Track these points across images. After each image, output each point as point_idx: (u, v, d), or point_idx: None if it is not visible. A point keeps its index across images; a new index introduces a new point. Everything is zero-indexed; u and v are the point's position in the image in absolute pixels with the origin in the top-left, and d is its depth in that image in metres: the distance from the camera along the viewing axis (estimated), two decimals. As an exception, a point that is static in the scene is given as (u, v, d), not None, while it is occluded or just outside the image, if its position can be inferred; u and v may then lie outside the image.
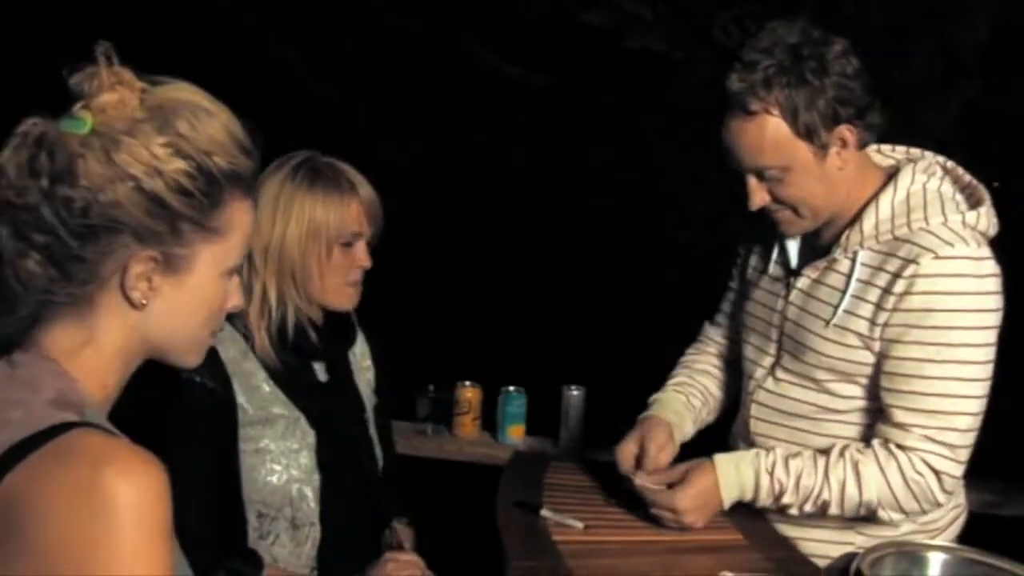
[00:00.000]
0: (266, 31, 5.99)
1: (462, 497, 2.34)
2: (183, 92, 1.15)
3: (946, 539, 2.00)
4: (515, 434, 2.92)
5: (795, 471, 1.89)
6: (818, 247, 1.98)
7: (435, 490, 2.92)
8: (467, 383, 2.98)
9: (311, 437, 1.98)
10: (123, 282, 1.13)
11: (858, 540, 1.93)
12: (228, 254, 1.19)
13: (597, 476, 2.16)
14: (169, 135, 1.11)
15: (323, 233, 1.94)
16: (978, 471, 2.00)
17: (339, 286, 2.00)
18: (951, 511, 2.03)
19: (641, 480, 1.94)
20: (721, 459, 1.94)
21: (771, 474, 1.90)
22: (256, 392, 1.95)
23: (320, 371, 2.07)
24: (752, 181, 1.87)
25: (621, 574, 1.80)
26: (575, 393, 2.89)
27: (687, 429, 2.17)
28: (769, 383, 2.04)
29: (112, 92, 1.10)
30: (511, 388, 2.96)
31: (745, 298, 2.15)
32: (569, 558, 1.81)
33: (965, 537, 2.06)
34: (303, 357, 2.02)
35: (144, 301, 1.14)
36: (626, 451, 2.02)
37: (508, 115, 4.59)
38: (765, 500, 1.92)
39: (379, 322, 2.26)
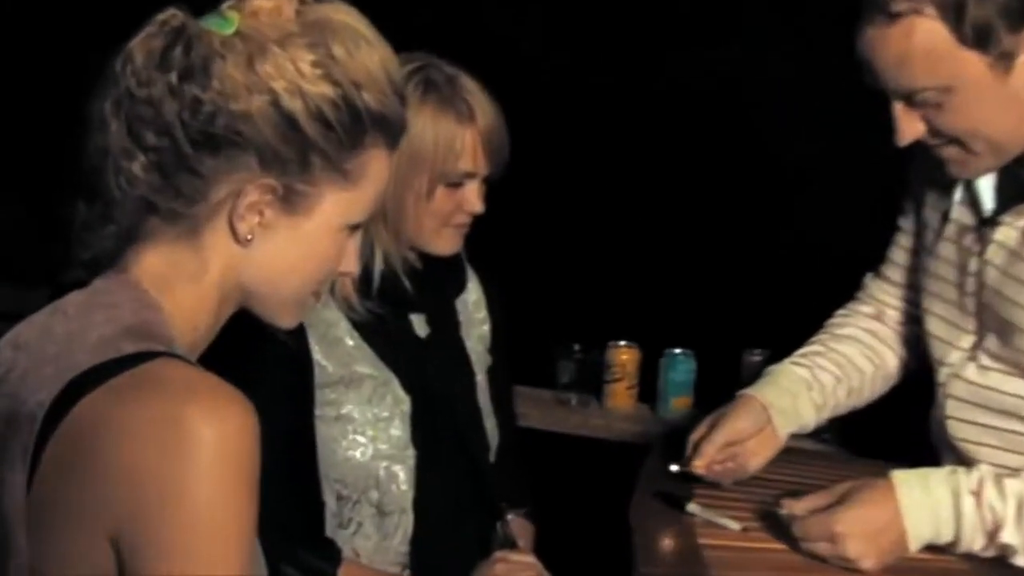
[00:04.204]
0: None
1: (607, 485, 2.07)
2: (344, 15, 1.15)
3: None
4: (680, 407, 2.65)
5: (1014, 494, 1.49)
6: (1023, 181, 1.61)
7: (574, 475, 2.72)
8: (622, 343, 2.73)
9: (405, 404, 1.84)
10: (233, 209, 1.10)
11: None
12: (355, 206, 1.17)
13: (771, 465, 1.85)
14: (320, 55, 1.09)
15: (426, 166, 1.79)
16: None
17: (437, 228, 1.85)
18: None
19: (787, 507, 1.60)
20: (901, 475, 1.56)
21: (977, 496, 1.51)
22: (338, 346, 1.82)
23: (419, 324, 1.90)
24: (899, 108, 1.55)
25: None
26: (757, 359, 2.59)
27: (804, 414, 1.85)
28: (970, 371, 1.70)
29: None
30: (677, 350, 2.69)
31: (923, 251, 1.81)
32: (715, 568, 1.56)
33: None
34: (395, 307, 1.86)
35: (250, 236, 1.11)
36: (695, 440, 1.78)
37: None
38: (971, 538, 1.51)
39: (506, 263, 2.10)
